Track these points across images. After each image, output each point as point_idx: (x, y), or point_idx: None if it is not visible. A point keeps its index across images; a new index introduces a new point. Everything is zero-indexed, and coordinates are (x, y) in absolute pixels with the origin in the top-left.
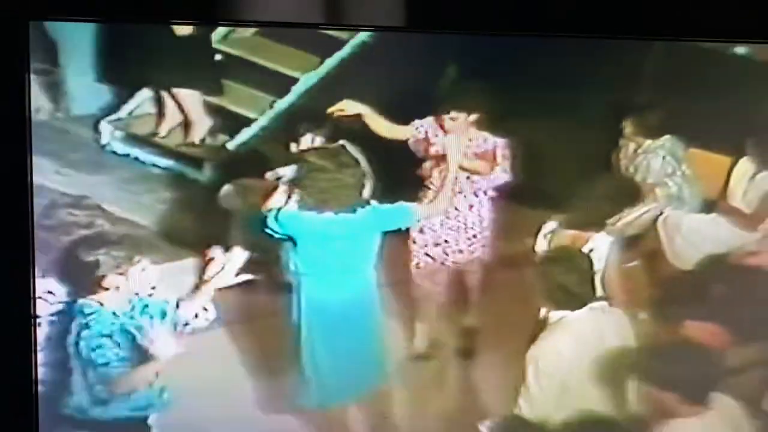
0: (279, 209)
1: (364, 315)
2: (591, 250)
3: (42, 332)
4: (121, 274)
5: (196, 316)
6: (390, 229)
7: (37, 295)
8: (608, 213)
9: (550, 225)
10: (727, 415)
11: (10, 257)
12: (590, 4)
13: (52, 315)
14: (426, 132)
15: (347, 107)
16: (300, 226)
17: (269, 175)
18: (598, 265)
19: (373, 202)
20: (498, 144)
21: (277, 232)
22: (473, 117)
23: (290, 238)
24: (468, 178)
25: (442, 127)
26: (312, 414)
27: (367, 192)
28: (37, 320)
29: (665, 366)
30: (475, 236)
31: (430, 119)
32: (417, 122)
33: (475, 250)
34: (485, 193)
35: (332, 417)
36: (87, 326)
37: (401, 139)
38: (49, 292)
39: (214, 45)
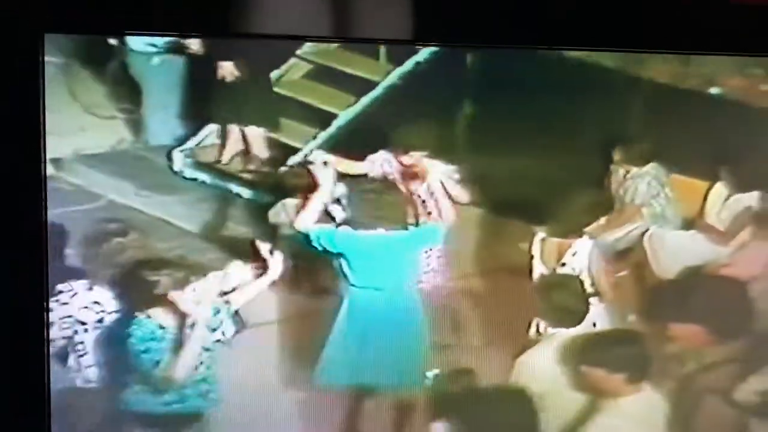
0: (332, 229)
1: (401, 325)
2: (575, 253)
3: (89, 337)
4: (180, 289)
5: (214, 330)
6: (424, 248)
7: (84, 305)
8: (586, 222)
9: (540, 234)
10: (656, 391)
11: (23, 262)
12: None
13: (97, 322)
14: (382, 165)
15: (318, 157)
16: (348, 243)
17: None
18: (581, 266)
19: (411, 225)
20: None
21: (328, 249)
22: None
23: (339, 254)
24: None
25: (400, 162)
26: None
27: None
28: (84, 326)
29: (613, 351)
30: (429, 250)
31: (386, 153)
32: (371, 157)
33: (431, 263)
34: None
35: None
36: (131, 334)
37: (362, 173)
38: (96, 302)
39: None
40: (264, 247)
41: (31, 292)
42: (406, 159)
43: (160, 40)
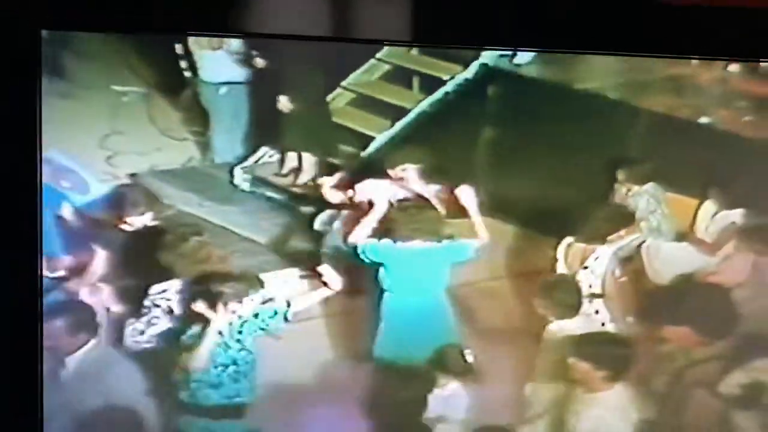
0: (375, 242)
1: (432, 326)
2: (596, 258)
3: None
4: (239, 302)
5: (263, 329)
6: (454, 261)
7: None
8: (609, 232)
9: (568, 239)
10: (628, 388)
11: (18, 260)
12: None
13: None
14: (364, 189)
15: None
16: (389, 254)
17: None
18: (600, 270)
19: (447, 239)
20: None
21: (372, 259)
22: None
23: (380, 263)
24: None
25: (395, 179)
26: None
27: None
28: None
29: (602, 350)
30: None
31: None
32: (359, 186)
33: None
34: None
35: None
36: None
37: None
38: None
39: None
40: (326, 270)
41: (26, 293)
42: (400, 173)
43: (230, 74)
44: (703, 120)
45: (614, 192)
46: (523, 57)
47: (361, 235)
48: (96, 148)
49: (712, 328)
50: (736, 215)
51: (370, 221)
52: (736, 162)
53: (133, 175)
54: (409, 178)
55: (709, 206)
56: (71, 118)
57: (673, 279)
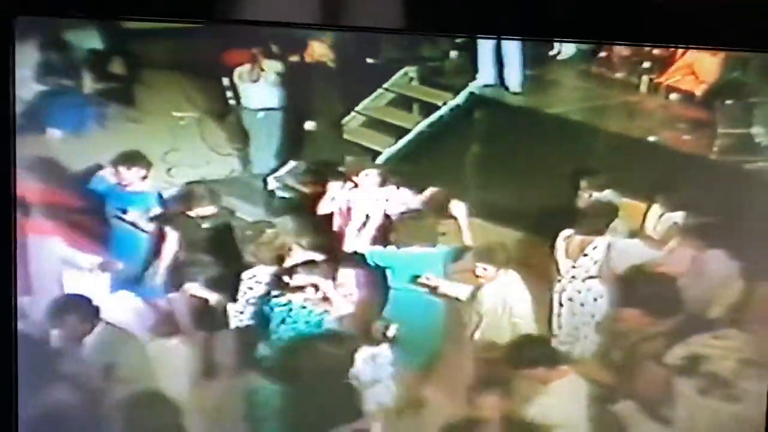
0: (381, 249)
1: (429, 316)
2: (595, 247)
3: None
4: (313, 286)
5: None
6: (449, 262)
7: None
8: (606, 224)
9: (567, 231)
10: (581, 372)
11: None
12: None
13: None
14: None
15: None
16: (393, 259)
17: None
18: (598, 257)
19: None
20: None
21: (379, 264)
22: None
23: (386, 267)
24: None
25: (353, 182)
26: None
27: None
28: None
29: (529, 353)
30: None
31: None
32: (330, 195)
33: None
34: None
35: None
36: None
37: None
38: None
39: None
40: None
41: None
42: (362, 178)
43: (266, 102)
44: (651, 138)
45: (578, 197)
46: (508, 85)
47: (360, 243)
48: (158, 162)
49: (659, 310)
50: (678, 216)
51: (369, 230)
52: (678, 173)
53: (188, 184)
54: (368, 183)
55: (656, 209)
56: (139, 138)
57: (626, 269)
